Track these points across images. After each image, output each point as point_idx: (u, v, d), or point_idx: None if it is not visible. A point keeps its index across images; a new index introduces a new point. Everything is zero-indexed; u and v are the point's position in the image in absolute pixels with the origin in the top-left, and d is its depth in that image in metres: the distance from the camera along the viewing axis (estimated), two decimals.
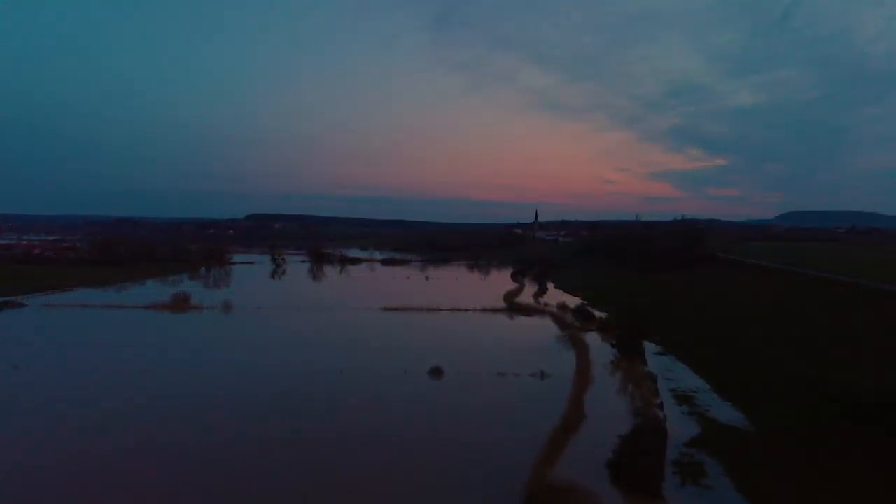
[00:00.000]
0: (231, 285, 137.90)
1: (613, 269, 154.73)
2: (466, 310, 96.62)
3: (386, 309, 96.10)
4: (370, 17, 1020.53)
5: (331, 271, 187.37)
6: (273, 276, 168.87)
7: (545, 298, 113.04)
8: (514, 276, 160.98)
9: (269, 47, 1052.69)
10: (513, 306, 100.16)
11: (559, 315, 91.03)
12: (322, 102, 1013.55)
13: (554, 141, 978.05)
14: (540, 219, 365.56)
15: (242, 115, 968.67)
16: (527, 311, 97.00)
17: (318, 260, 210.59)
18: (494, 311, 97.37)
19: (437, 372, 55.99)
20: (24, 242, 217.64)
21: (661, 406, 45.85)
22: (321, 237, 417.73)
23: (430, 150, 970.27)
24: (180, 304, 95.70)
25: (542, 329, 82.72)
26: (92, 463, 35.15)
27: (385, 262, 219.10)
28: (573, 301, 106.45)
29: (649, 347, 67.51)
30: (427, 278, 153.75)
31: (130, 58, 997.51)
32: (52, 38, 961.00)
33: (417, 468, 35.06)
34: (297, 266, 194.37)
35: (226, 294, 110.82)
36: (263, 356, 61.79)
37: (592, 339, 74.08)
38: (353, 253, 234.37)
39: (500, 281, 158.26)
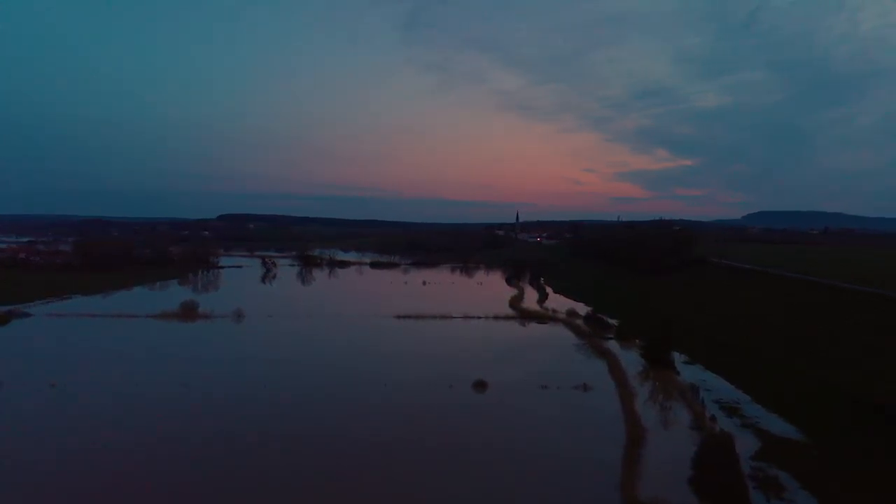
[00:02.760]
0: (225, 291, 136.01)
1: (607, 271, 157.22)
2: (478, 317, 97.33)
3: (400, 317, 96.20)
4: (341, 18, 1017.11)
5: (320, 275, 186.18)
6: (264, 280, 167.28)
7: (549, 304, 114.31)
8: (509, 281, 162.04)
9: (238, 47, 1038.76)
10: (523, 313, 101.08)
11: (572, 322, 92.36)
12: (294, 102, 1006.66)
13: (524, 141, 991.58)
14: (511, 218, 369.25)
15: (212, 114, 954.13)
16: (538, 318, 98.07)
17: (307, 263, 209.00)
18: (506, 318, 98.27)
19: (481, 385, 56.53)
20: (9, 247, 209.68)
21: (713, 419, 47.22)
22: (300, 238, 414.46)
23: (403, 150, 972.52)
24: (189, 312, 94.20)
25: (559, 337, 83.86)
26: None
27: (373, 266, 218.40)
28: (577, 306, 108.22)
29: (674, 356, 69.05)
30: (424, 283, 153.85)
31: (99, 54, 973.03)
32: (15, 30, 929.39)
33: (505, 486, 35.58)
34: (285, 270, 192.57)
35: (222, 299, 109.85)
36: (304, 370, 61.43)
37: (613, 347, 75.41)
38: (333, 254, 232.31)
39: (496, 285, 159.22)
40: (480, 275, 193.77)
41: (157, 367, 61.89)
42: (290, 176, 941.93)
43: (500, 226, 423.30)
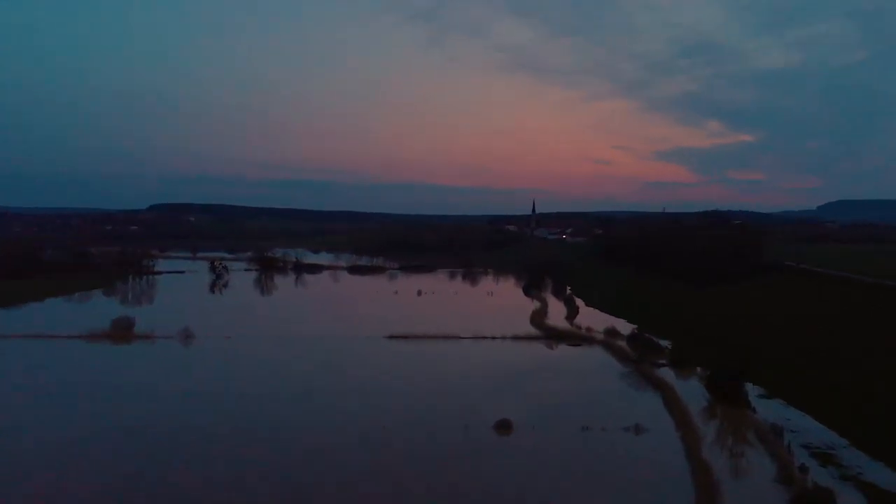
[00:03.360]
0: (165, 303, 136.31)
1: (650, 278, 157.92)
2: (493, 337, 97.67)
3: (392, 337, 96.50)
4: None
5: (285, 283, 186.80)
6: (213, 289, 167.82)
7: (580, 320, 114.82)
8: (527, 290, 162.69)
9: None
10: (550, 333, 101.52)
11: (613, 344, 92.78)
12: (244, 62, 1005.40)
13: (538, 111, 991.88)
14: (520, 209, 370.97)
15: (141, 80, 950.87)
16: (569, 338, 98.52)
17: (268, 268, 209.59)
18: (529, 338, 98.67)
19: (504, 425, 56.57)
20: None
21: (804, 469, 47.46)
22: (255, 235, 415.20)
23: (384, 123, 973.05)
24: (124, 332, 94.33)
25: (599, 363, 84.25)
26: None
27: (352, 270, 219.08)
28: (616, 323, 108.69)
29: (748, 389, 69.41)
30: (419, 293, 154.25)
31: None
32: None
33: None
34: (239, 276, 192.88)
35: (163, 315, 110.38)
36: (277, 410, 61.22)
37: (668, 376, 75.73)
38: (300, 256, 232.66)
39: (510, 295, 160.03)
40: (488, 282, 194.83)
41: (83, 405, 61.63)
42: (240, 156, 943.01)
43: (509, 219, 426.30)
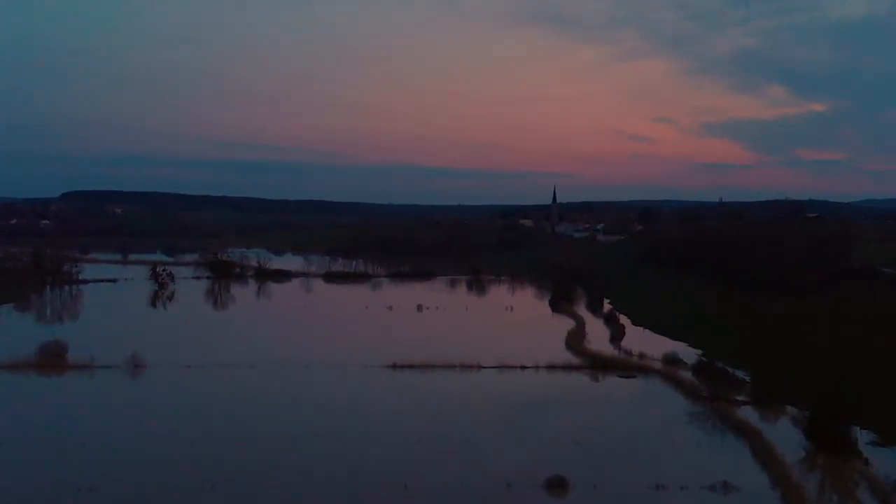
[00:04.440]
0: (98, 321, 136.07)
1: (710, 288, 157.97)
2: (523, 367, 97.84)
3: (395, 366, 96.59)
4: None
5: (245, 294, 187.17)
6: (155, 302, 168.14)
7: (627, 343, 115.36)
8: (554, 304, 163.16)
9: None
10: (594, 360, 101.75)
11: (675, 376, 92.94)
12: (188, 9, 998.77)
13: (558, 73, 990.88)
14: (536, 197, 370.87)
15: (48, 36, 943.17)
16: (619, 367, 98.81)
17: (222, 276, 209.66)
18: (567, 367, 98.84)
19: (558, 484, 56.53)
20: None
21: None
22: (200, 231, 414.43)
23: (362, 89, 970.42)
24: (55, 360, 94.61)
25: (660, 399, 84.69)
26: None
27: (329, 278, 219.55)
28: (672, 346, 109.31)
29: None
30: (420, 308, 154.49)
31: None
32: None
33: None
34: (187, 286, 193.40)
35: (98, 337, 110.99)
36: (262, 469, 61.04)
37: (751, 417, 75.99)
38: (263, 259, 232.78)
39: (534, 311, 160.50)
40: (503, 293, 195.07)
41: (24, 455, 61.33)
42: (178, 130, 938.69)
43: (523, 211, 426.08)
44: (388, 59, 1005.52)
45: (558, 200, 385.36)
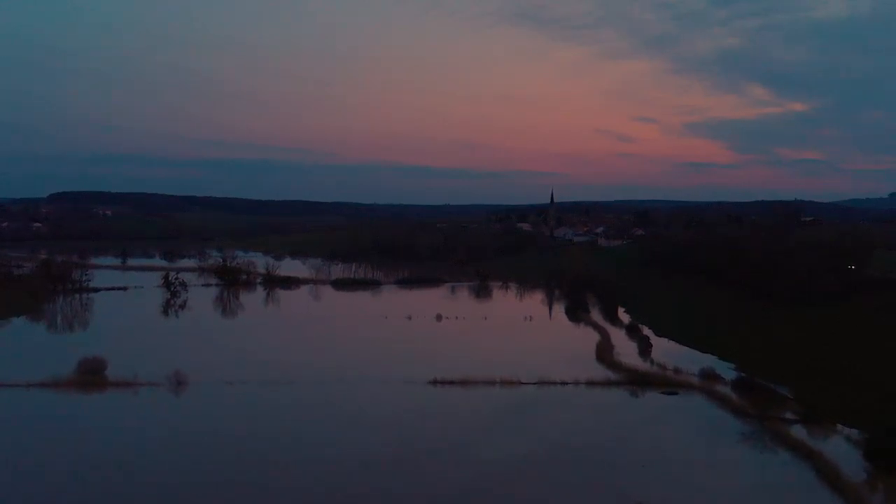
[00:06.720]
0: (118, 332, 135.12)
1: (727, 298, 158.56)
2: (563, 382, 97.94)
3: (436, 382, 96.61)
4: None
5: (255, 301, 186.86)
6: (167, 311, 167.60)
7: (656, 355, 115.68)
8: (570, 313, 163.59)
9: None
10: (631, 375, 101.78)
11: (716, 392, 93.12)
12: (179, 9, 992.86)
13: (539, 73, 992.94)
14: (524, 197, 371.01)
15: (36, 33, 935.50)
16: (658, 383, 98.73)
17: (231, 282, 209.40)
18: (606, 383, 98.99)
19: None
20: None
21: None
22: (196, 233, 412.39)
23: (351, 87, 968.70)
24: (95, 378, 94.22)
25: (707, 418, 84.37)
26: None
27: (338, 285, 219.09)
28: (702, 359, 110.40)
29: None
30: (439, 318, 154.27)
31: None
32: None
33: None
34: (197, 293, 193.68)
35: (125, 350, 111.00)
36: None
37: (802, 435, 76.20)
38: (272, 266, 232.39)
39: (549, 319, 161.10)
40: (512, 299, 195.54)
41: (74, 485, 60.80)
42: (168, 129, 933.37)
43: (516, 211, 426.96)
44: (378, 59, 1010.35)
45: (549, 199, 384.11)
